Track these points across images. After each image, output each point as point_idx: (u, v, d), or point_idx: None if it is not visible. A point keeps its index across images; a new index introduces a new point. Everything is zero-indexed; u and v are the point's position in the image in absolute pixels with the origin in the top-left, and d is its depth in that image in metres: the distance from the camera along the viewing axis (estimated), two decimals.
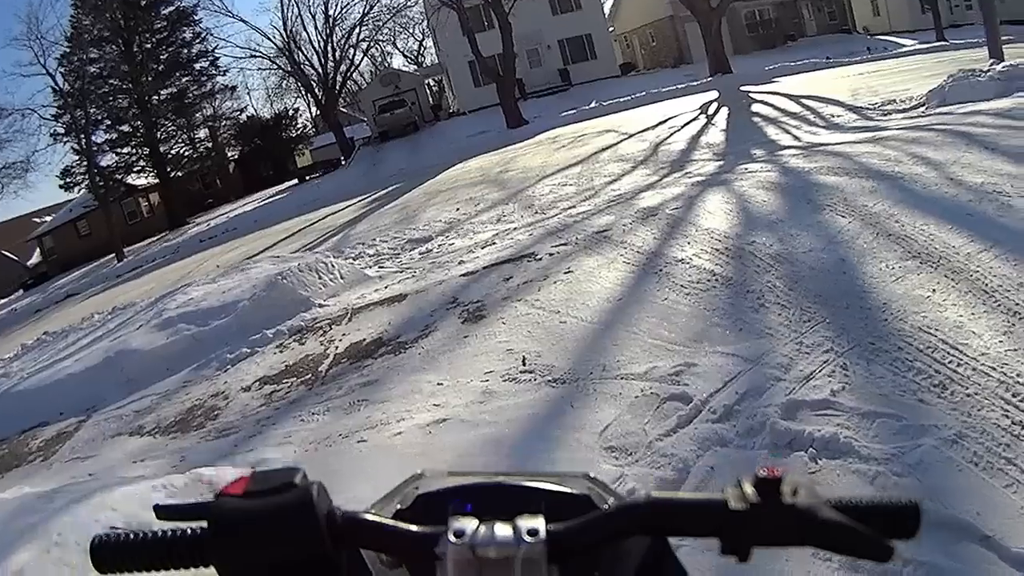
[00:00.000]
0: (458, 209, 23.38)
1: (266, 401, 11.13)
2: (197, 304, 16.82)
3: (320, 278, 16.62)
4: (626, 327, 9.75)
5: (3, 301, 58.61)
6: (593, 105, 44.89)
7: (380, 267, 18.31)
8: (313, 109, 74.96)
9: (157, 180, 69.49)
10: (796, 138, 20.98)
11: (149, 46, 68.58)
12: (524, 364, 9.48)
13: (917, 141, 16.07)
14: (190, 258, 36.92)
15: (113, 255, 53.39)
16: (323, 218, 32.46)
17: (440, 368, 10.20)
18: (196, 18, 70.67)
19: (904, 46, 51.82)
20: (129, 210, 67.91)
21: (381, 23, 64.89)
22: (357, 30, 62.76)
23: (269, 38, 65.17)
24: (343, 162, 59.57)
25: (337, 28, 62.57)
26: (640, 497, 1.19)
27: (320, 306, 15.25)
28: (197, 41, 71.26)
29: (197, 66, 72.33)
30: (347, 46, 63.13)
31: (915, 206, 11.75)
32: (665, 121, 31.80)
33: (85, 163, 60.31)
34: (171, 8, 71.00)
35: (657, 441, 6.72)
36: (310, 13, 70.47)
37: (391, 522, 1.25)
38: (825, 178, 14.55)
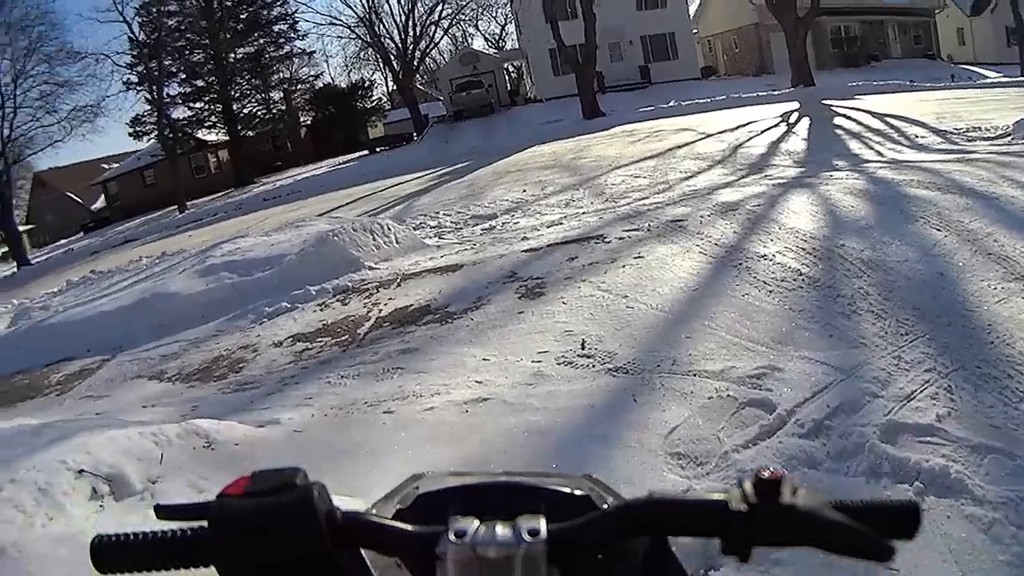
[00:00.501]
0: (525, 190, 22.89)
1: (295, 359, 10.60)
2: (243, 254, 16.57)
3: (374, 239, 16.08)
4: (701, 320, 8.88)
5: (63, 241, 58.82)
6: (671, 104, 43.88)
7: (440, 238, 17.90)
8: (390, 83, 74.45)
9: (227, 137, 68.93)
10: (880, 153, 20.20)
11: (229, 4, 67.92)
12: (583, 348, 8.64)
13: (1009, 165, 15.13)
14: (251, 215, 36.74)
15: (175, 207, 52.96)
16: (388, 188, 32.01)
17: (488, 343, 9.47)
18: None
19: (988, 77, 50.62)
20: (197, 164, 67.75)
21: (464, 2, 63.84)
22: (440, 6, 61.88)
23: (350, 6, 64.22)
24: (415, 137, 58.87)
25: (419, 2, 61.69)
26: (640, 497, 1.18)
27: (370, 268, 14.71)
28: (277, 3, 70.51)
29: (276, 28, 71.67)
30: (428, 22, 62.50)
31: (1014, 227, 10.80)
32: (744, 125, 31.04)
33: (156, 113, 59.50)
34: None
35: (734, 452, 5.90)
36: None
37: (391, 522, 1.25)
38: (916, 191, 13.60)
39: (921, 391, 6.42)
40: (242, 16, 69.93)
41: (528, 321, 10.02)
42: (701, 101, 43.98)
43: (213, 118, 69.83)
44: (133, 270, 21.45)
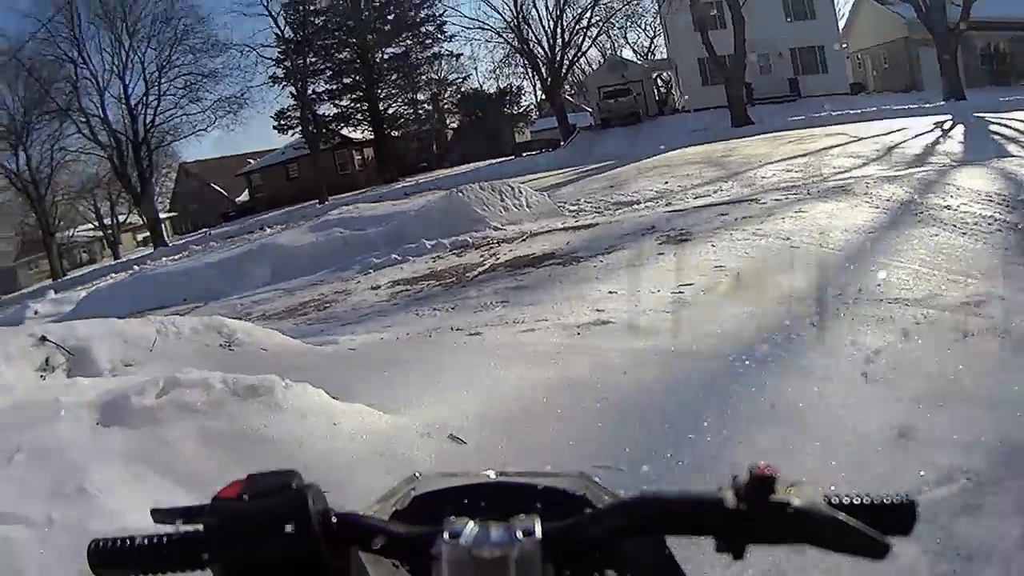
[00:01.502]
0: (668, 183, 22.27)
1: (389, 298, 10.53)
2: (361, 212, 16.57)
3: (502, 200, 15.67)
4: (887, 256, 8.68)
5: (204, 229, 59.10)
6: (823, 113, 42.00)
7: (578, 214, 17.37)
8: (538, 91, 73.29)
9: (372, 136, 68.57)
10: None
11: (377, 3, 67.62)
12: (738, 279, 8.43)
13: None
14: (389, 202, 36.11)
15: (317, 200, 52.62)
16: (530, 180, 31.02)
17: (618, 279, 9.23)
18: None
19: None
20: (340, 161, 67.46)
21: (614, 10, 62.47)
22: (588, 14, 60.62)
23: (498, 11, 63.12)
24: (561, 144, 57.69)
25: (568, 9, 60.51)
26: (635, 496, 1.13)
27: (495, 229, 14.48)
28: (425, 4, 69.87)
29: (423, 29, 70.91)
30: (576, 29, 61.16)
31: None
32: (898, 131, 29.84)
33: (300, 108, 59.60)
34: None
35: (975, 385, 5.00)
36: None
37: (387, 523, 1.22)
38: None
39: None
40: (389, 16, 69.36)
41: (669, 260, 9.74)
42: (852, 112, 42.36)
43: (359, 116, 69.41)
44: (256, 236, 21.27)
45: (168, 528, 1.14)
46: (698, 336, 6.33)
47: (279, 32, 60.26)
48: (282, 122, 67.78)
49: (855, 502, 1.05)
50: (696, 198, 17.64)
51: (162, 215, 61.43)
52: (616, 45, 79.17)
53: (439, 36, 71.14)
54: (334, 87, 68.38)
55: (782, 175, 20.09)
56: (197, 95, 54.55)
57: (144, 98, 51.38)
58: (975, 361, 5.29)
